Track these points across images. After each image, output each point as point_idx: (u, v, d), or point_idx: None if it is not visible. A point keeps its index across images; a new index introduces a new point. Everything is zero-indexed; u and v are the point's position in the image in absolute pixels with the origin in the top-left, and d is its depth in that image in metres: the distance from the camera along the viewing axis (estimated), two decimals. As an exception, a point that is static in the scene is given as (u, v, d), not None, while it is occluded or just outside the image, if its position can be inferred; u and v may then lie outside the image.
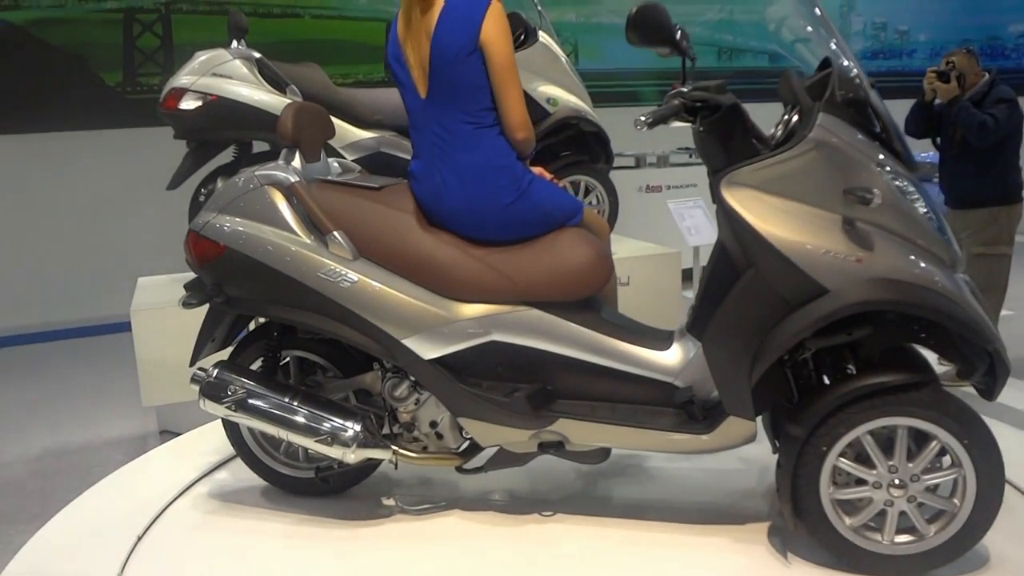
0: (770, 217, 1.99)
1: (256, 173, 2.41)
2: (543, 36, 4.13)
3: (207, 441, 3.05)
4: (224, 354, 2.61)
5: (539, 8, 4.29)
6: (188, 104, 3.89)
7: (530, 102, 4.04)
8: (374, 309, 2.26)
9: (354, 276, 2.26)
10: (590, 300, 2.33)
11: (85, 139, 6.21)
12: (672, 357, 2.24)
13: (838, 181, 1.97)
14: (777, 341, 1.98)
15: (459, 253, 2.26)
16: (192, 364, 2.57)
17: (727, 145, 2.11)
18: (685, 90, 2.07)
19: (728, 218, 2.02)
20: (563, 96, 4.14)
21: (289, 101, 3.96)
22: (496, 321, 2.24)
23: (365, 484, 2.66)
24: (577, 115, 4.14)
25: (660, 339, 2.30)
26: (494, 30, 2.17)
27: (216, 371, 2.46)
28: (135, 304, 3.94)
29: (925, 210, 2.04)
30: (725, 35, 8.15)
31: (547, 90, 4.11)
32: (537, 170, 2.50)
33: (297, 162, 2.43)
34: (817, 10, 2.11)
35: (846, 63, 2.04)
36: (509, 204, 2.24)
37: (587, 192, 4.35)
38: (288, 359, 2.58)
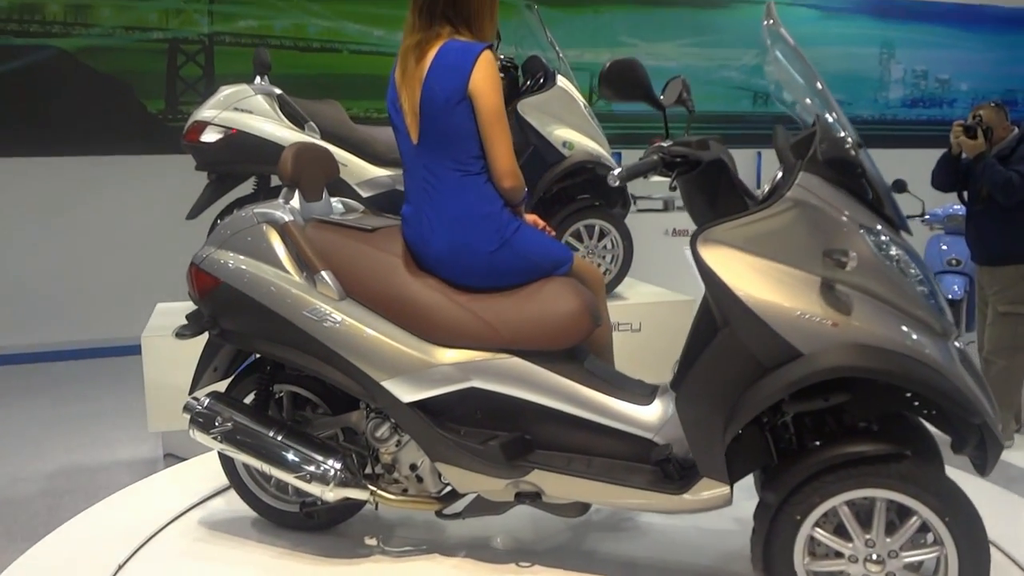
0: (745, 276, 1.95)
1: (254, 211, 2.46)
2: (561, 80, 4.15)
3: (209, 468, 3.08)
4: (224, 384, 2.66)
5: (558, 52, 4.33)
6: (209, 137, 4.00)
7: (546, 145, 4.10)
8: (356, 350, 2.27)
9: (338, 316, 2.28)
10: (574, 350, 2.31)
11: (125, 164, 6.41)
12: (652, 413, 2.21)
13: (817, 242, 1.93)
14: (750, 403, 1.93)
15: (442, 298, 2.27)
16: (191, 393, 2.61)
17: (713, 201, 2.09)
18: (665, 144, 2.05)
19: (703, 276, 2.00)
20: (579, 140, 4.14)
21: (307, 137, 4.05)
22: (476, 367, 2.24)
23: (352, 521, 2.66)
24: (593, 159, 4.14)
25: (643, 393, 2.27)
26: (483, 80, 2.19)
27: (207, 401, 2.51)
28: (147, 330, 4.02)
29: (916, 276, 1.99)
30: (760, 80, 8.12)
31: (563, 134, 4.12)
32: (531, 218, 2.51)
33: (296, 201, 2.47)
34: (819, 84, 2.07)
35: (834, 123, 2.00)
36: (492, 252, 2.24)
37: (601, 236, 4.33)
38: (282, 393, 2.62)
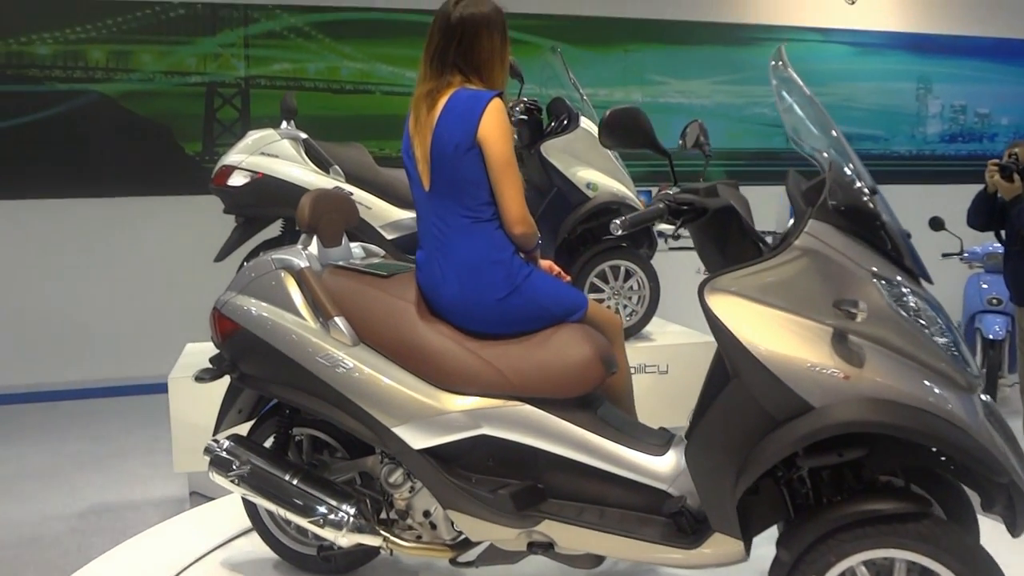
0: (754, 326, 1.90)
1: (272, 256, 2.49)
2: (585, 122, 4.17)
3: (233, 509, 3.09)
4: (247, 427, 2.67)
5: (582, 93, 4.35)
6: (236, 181, 4.10)
7: (570, 187, 4.10)
8: (367, 396, 2.27)
9: (350, 362, 2.29)
10: (588, 398, 2.28)
11: (163, 204, 6.57)
12: (666, 463, 2.16)
13: (828, 291, 1.88)
14: (760, 457, 1.88)
15: (454, 344, 2.26)
16: (214, 434, 2.64)
17: (723, 248, 2.06)
18: (671, 192, 2.03)
19: (712, 325, 1.96)
20: (603, 181, 4.15)
21: (332, 180, 4.12)
22: (487, 415, 2.22)
23: (374, 564, 2.66)
24: (617, 200, 4.14)
25: (657, 443, 2.22)
26: (492, 127, 2.19)
27: (227, 444, 2.53)
28: (174, 370, 4.08)
29: (938, 327, 1.92)
30: (792, 117, 8.05)
31: (587, 175, 4.13)
32: (546, 264, 2.50)
33: (314, 247, 2.50)
34: (834, 132, 2.04)
35: (847, 170, 1.96)
36: (502, 298, 2.23)
37: (627, 277, 4.30)
38: (301, 436, 2.63)
